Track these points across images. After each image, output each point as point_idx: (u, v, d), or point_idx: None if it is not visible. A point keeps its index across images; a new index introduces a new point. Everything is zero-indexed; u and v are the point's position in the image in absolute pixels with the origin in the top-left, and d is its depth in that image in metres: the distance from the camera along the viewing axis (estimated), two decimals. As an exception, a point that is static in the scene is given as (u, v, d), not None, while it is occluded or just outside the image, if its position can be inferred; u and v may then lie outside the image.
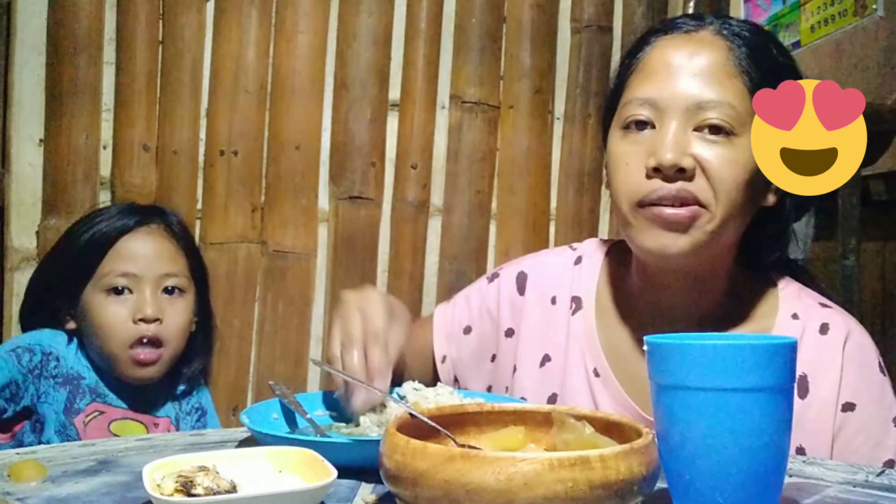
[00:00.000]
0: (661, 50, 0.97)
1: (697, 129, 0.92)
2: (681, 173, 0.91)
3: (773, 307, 1.01)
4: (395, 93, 2.06)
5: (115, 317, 1.27)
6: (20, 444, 1.23)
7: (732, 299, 1.02)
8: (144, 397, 1.33)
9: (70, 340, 1.31)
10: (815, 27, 2.36)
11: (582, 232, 2.12)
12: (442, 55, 2.08)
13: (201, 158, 1.98)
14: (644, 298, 1.03)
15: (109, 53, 1.94)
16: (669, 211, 0.91)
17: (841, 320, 0.98)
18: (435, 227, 2.09)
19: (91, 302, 1.28)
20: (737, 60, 0.94)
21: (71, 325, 1.32)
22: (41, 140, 1.91)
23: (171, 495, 0.60)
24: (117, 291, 1.28)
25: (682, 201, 0.91)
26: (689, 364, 0.58)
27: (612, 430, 0.64)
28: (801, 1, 2.30)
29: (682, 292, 1.00)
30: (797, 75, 0.97)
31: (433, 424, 0.65)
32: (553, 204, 2.15)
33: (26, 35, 1.90)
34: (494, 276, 1.16)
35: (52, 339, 1.29)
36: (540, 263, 1.14)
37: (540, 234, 2.12)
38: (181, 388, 1.38)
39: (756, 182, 0.93)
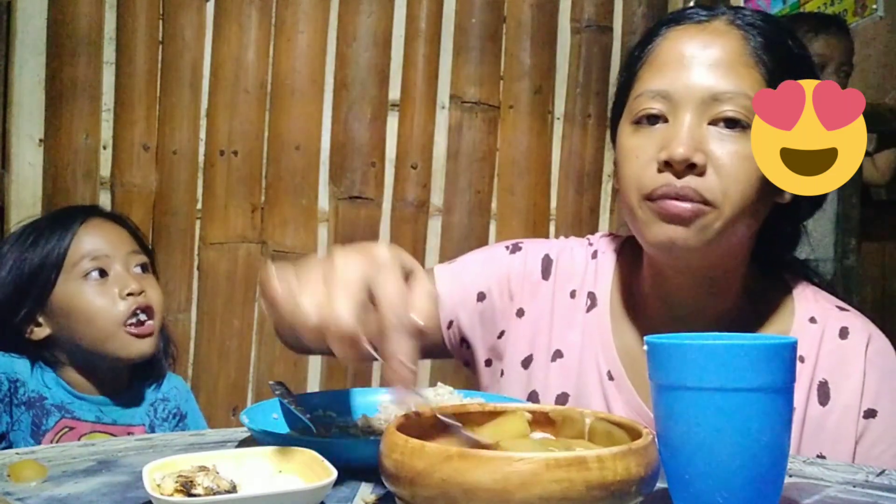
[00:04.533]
0: (673, 41, 0.94)
1: (713, 122, 0.89)
2: (691, 169, 0.88)
3: (789, 310, 0.98)
4: (395, 93, 2.06)
5: (103, 297, 1.27)
6: None
7: (747, 301, 0.99)
8: (115, 407, 1.32)
9: (34, 362, 1.28)
10: (816, 27, 2.35)
11: (582, 232, 2.10)
12: (442, 55, 2.08)
13: (201, 158, 1.98)
14: (656, 299, 1.00)
15: (109, 53, 1.94)
16: (672, 204, 0.88)
17: (860, 324, 0.96)
18: (435, 227, 2.09)
19: (68, 294, 1.27)
20: (752, 50, 0.91)
21: (42, 331, 1.29)
22: (41, 140, 1.91)
23: (171, 495, 0.60)
24: (94, 275, 1.27)
25: (686, 197, 0.88)
26: (688, 364, 0.58)
27: (612, 430, 0.64)
28: (801, 1, 2.29)
29: (695, 293, 0.97)
30: (811, 67, 0.95)
31: (443, 417, 0.65)
32: (553, 204, 2.15)
33: (26, 35, 1.91)
34: (516, 248, 1.11)
35: (13, 365, 1.26)
36: (566, 251, 1.09)
37: (540, 233, 2.12)
38: (152, 384, 1.37)
39: None
